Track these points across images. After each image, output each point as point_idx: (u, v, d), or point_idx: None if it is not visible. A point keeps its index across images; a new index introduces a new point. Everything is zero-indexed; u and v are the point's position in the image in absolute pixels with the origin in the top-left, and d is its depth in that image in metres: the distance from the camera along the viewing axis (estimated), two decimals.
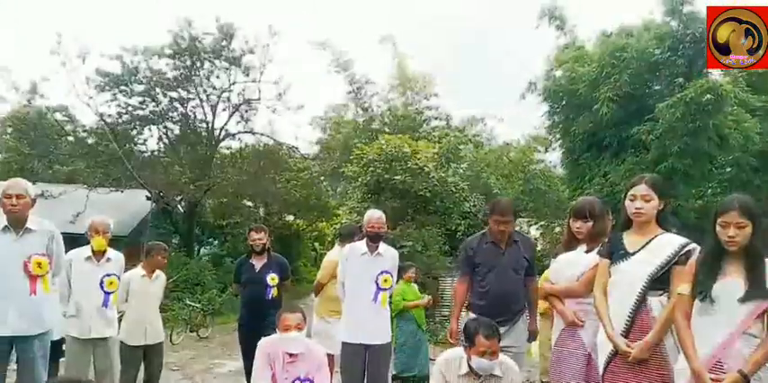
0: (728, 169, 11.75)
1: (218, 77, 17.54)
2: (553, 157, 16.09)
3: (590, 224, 3.42)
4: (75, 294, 4.41)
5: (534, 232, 16.06)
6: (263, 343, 3.60)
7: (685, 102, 9.58)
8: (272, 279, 5.15)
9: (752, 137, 10.51)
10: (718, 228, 2.54)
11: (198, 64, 16.99)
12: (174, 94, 17.18)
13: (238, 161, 18.46)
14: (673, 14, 11.04)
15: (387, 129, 15.74)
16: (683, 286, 2.65)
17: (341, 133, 17.46)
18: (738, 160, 11.05)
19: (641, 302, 2.85)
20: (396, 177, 11.76)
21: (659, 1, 11.16)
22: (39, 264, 3.62)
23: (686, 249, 2.82)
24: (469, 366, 3.16)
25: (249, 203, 19.36)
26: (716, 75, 11.31)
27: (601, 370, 2.98)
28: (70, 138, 18.01)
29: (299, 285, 18.10)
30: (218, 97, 17.71)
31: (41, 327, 3.68)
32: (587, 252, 3.37)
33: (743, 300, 2.45)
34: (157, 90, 16.85)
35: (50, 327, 3.80)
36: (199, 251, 20.02)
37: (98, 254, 4.45)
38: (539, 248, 11.34)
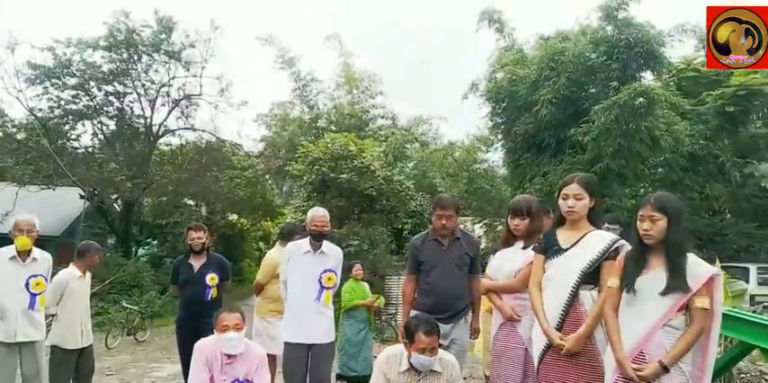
0: (660, 169, 12.31)
1: (156, 71, 17.03)
2: (496, 157, 16.41)
3: (527, 221, 3.52)
4: (0, 296, 4.17)
5: (479, 230, 16.40)
6: (201, 345, 3.52)
7: (619, 105, 9.91)
8: (211, 279, 5.02)
9: (682, 139, 11.01)
10: (637, 222, 2.67)
11: (135, 57, 16.42)
12: (109, 88, 16.53)
13: (178, 158, 17.95)
14: (608, 20, 11.41)
15: (333, 127, 15.66)
16: (612, 279, 2.76)
17: (286, 131, 17.24)
18: (669, 161, 11.58)
19: (574, 296, 2.95)
20: (342, 176, 11.72)
21: (596, 6, 11.53)
22: None
23: (616, 245, 2.94)
24: (410, 363, 3.18)
25: (190, 202, 18.84)
26: (648, 79, 11.81)
27: (535, 363, 3.07)
28: None
29: (242, 285, 17.78)
30: (157, 92, 17.17)
31: None
32: (524, 248, 3.48)
33: (663, 293, 2.57)
34: (92, 83, 16.17)
35: None
36: (137, 251, 19.37)
37: (23, 254, 4.24)
38: (482, 246, 11.53)
